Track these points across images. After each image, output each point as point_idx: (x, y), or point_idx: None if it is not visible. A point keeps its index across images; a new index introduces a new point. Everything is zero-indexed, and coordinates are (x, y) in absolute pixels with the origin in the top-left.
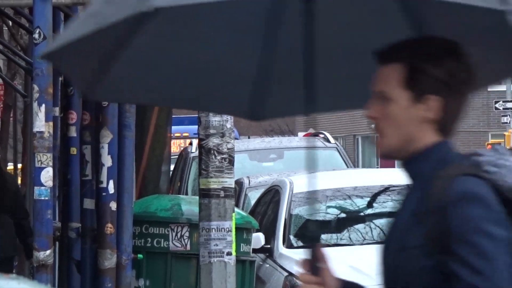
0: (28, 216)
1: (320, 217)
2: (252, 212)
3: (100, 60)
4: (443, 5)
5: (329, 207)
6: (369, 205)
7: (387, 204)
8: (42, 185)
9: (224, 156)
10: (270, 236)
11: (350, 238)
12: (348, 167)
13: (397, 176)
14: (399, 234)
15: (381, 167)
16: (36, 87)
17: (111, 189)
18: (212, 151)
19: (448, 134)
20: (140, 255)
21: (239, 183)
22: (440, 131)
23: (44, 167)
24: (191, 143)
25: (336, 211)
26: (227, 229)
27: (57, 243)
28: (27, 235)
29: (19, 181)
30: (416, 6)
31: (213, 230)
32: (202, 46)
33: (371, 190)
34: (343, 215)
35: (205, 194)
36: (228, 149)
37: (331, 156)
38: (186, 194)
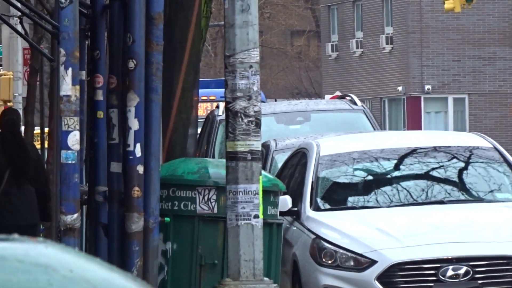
0: (49, 184)
1: (347, 179)
2: (279, 175)
3: None
4: None
5: (356, 169)
6: (396, 167)
7: (414, 166)
8: (69, 148)
9: (251, 119)
10: (297, 199)
11: (377, 201)
12: (374, 129)
13: (424, 138)
14: None
15: (408, 129)
16: (62, 51)
17: (138, 152)
18: (239, 114)
19: None
20: (167, 219)
21: (266, 146)
22: None
23: (71, 131)
24: (217, 106)
25: (363, 174)
26: (254, 192)
27: (84, 207)
28: (47, 200)
29: (46, 145)
30: None
31: (240, 193)
32: None
33: (398, 152)
34: (370, 177)
35: (232, 157)
36: (255, 112)
37: (358, 119)
38: (213, 157)
